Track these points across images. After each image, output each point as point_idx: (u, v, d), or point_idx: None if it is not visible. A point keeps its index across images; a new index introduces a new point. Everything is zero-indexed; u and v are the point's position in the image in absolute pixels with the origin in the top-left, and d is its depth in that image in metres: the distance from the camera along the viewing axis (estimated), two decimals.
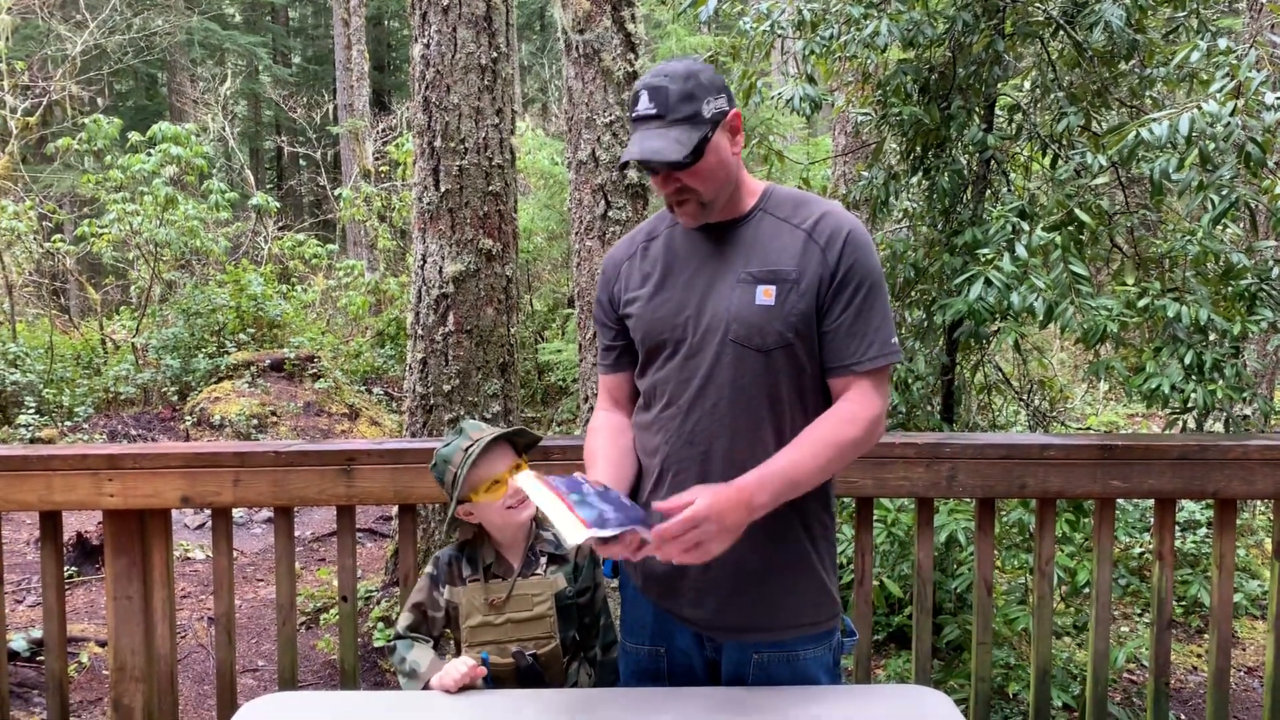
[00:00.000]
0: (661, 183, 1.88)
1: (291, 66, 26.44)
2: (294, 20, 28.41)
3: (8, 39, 11.55)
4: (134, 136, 10.99)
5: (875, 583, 3.94)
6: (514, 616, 2.14)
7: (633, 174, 4.37)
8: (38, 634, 4.49)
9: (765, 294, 1.87)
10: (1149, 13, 3.90)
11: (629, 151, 1.82)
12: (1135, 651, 4.41)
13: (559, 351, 10.50)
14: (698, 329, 1.90)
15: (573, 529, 1.64)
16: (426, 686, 2.10)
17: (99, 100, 16.70)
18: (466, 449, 2.14)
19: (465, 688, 2.06)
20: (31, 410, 9.03)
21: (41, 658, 4.34)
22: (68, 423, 9.26)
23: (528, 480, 1.81)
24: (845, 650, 2.07)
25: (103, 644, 4.74)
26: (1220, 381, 3.45)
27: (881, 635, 4.55)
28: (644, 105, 1.83)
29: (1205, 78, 3.64)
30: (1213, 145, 3.20)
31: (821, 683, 2.00)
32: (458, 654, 2.19)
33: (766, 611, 1.94)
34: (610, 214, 4.32)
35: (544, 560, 2.19)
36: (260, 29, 25.65)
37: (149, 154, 10.68)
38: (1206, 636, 4.89)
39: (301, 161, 23.83)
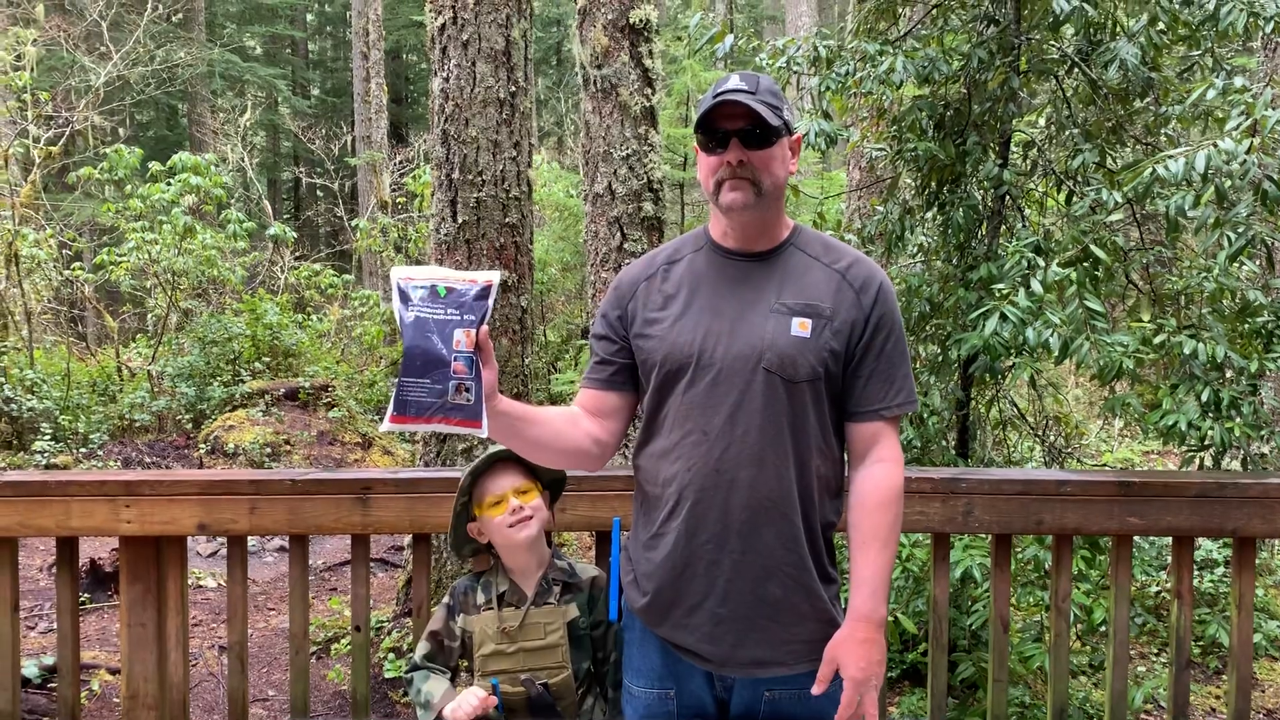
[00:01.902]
0: (729, 153, 1.86)
1: (310, 99, 26.73)
2: (313, 53, 28.77)
3: (33, 70, 11.72)
4: (154, 166, 11.10)
5: (890, 619, 3.91)
6: (526, 645, 2.14)
7: (649, 206, 4.41)
8: (49, 660, 4.49)
9: (801, 326, 1.88)
10: (1164, 51, 3.93)
11: (721, 90, 1.84)
12: (1153, 692, 4.35)
13: (572, 383, 10.51)
14: (728, 355, 1.88)
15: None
16: (439, 717, 2.10)
17: (120, 130, 16.91)
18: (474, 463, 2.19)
19: (478, 718, 2.06)
20: (47, 436, 9.06)
21: (53, 684, 4.34)
22: (83, 449, 9.30)
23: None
24: None
25: (114, 671, 4.73)
26: (1238, 419, 3.44)
27: (896, 672, 4.51)
28: (734, 83, 1.87)
29: (1221, 115, 3.65)
30: (1229, 182, 3.20)
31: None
32: (472, 683, 2.18)
33: (782, 646, 1.93)
34: (626, 246, 4.34)
35: (557, 589, 2.19)
36: (280, 61, 25.97)
37: (168, 184, 10.78)
38: (1225, 677, 4.82)
39: (319, 192, 24.03)
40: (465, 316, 1.76)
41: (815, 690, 1.91)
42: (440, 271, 1.81)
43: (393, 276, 1.80)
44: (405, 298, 1.77)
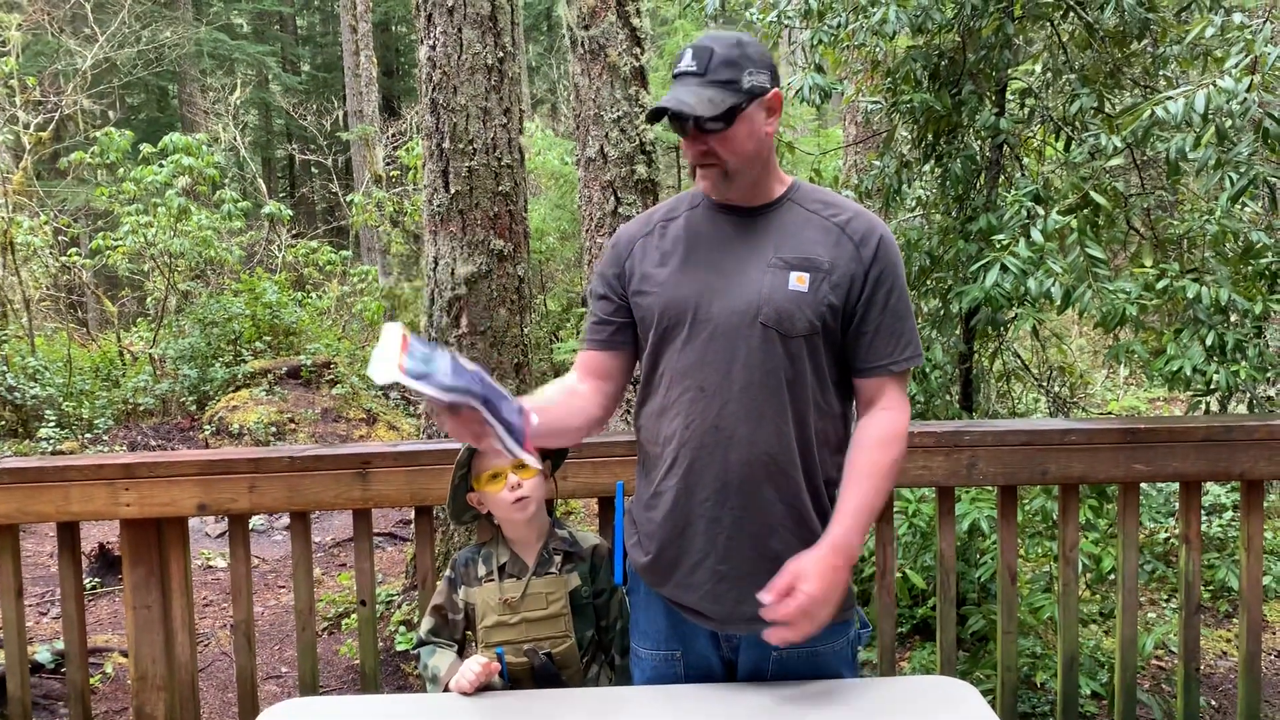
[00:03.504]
0: (689, 143, 1.84)
1: (301, 74, 26.52)
2: (302, 28, 28.51)
3: (19, 55, 11.63)
4: (146, 149, 11.03)
5: (898, 574, 3.91)
6: (529, 615, 2.13)
7: (642, 169, 4.36)
8: (62, 646, 4.51)
9: (798, 280, 1.84)
10: None
11: (664, 100, 1.80)
12: (1164, 637, 4.36)
13: (574, 351, 10.49)
14: (724, 310, 1.86)
15: (383, 368, 1.53)
16: (447, 690, 2.09)
17: (110, 114, 16.78)
18: None
19: (483, 687, 2.05)
20: (52, 424, 9.07)
21: (65, 669, 4.35)
22: (88, 435, 9.31)
23: (391, 329, 1.67)
24: (862, 642, 2.05)
25: (127, 654, 4.75)
26: (1243, 362, 3.41)
27: (905, 628, 4.51)
28: (686, 62, 1.82)
29: (1220, 55, 3.59)
30: (1229, 122, 3.15)
31: (843, 676, 1.98)
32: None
33: None
34: (620, 210, 4.30)
35: (559, 559, 2.18)
36: (269, 38, 25.74)
37: (161, 166, 10.72)
38: (1236, 621, 4.83)
39: (313, 169, 23.91)
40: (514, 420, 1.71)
41: (762, 597, 1.78)
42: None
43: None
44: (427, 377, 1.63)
